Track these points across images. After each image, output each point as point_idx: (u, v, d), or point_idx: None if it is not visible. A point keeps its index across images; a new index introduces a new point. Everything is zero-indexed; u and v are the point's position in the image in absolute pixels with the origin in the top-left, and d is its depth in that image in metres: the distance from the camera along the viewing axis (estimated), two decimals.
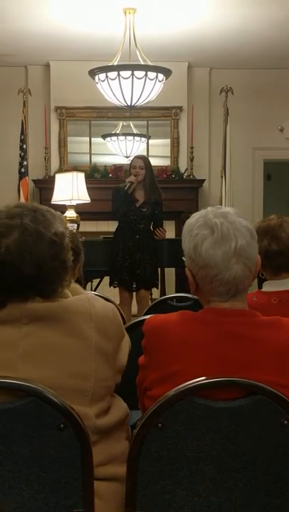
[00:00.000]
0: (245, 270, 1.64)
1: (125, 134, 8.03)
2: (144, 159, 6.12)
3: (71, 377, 1.57)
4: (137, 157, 6.16)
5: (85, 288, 3.12)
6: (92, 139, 8.36)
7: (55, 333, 1.59)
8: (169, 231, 7.77)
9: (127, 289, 6.07)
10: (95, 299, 1.71)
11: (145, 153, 7.95)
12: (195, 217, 1.70)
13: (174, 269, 7.25)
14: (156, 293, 6.70)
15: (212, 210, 1.69)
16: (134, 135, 8.07)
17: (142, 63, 6.02)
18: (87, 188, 6.68)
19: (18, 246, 1.56)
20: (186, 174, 8.29)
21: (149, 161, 6.13)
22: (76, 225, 6.37)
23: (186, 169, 8.29)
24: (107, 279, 6.34)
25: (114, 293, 5.94)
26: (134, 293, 6.13)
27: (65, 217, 6.14)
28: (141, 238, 6.00)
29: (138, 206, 5.98)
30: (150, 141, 8.33)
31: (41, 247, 1.58)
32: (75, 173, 6.67)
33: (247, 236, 1.64)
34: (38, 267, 1.57)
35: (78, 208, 6.62)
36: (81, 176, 6.68)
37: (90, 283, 6.56)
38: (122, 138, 7.98)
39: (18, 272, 1.56)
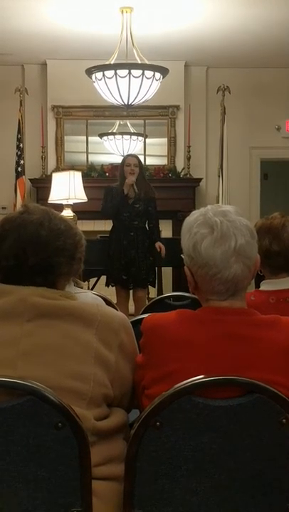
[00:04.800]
0: (244, 269, 1.63)
1: (122, 133, 8.01)
2: (137, 157, 6.24)
3: (70, 378, 1.56)
4: (131, 155, 6.26)
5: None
6: (89, 138, 8.35)
7: (56, 332, 1.59)
8: (166, 230, 7.77)
9: (124, 287, 6.06)
10: (106, 307, 1.73)
11: (142, 153, 7.98)
12: (194, 215, 1.69)
13: (171, 268, 7.24)
14: (153, 292, 6.69)
15: (212, 209, 1.68)
16: (131, 134, 8.05)
17: (139, 62, 6.01)
18: (84, 187, 6.67)
19: (40, 217, 1.71)
20: (183, 173, 8.28)
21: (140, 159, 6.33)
22: None
23: (183, 168, 8.28)
24: (103, 279, 6.33)
25: (110, 292, 5.92)
26: (132, 292, 6.11)
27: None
28: (135, 235, 6.00)
29: (131, 203, 5.99)
30: (147, 140, 8.32)
31: (60, 224, 1.72)
32: (72, 173, 6.66)
33: (247, 235, 1.63)
34: (54, 236, 1.68)
35: (75, 208, 6.62)
36: (78, 175, 6.67)
37: (87, 282, 6.55)
38: (118, 137, 7.97)
39: (36, 233, 1.66)
